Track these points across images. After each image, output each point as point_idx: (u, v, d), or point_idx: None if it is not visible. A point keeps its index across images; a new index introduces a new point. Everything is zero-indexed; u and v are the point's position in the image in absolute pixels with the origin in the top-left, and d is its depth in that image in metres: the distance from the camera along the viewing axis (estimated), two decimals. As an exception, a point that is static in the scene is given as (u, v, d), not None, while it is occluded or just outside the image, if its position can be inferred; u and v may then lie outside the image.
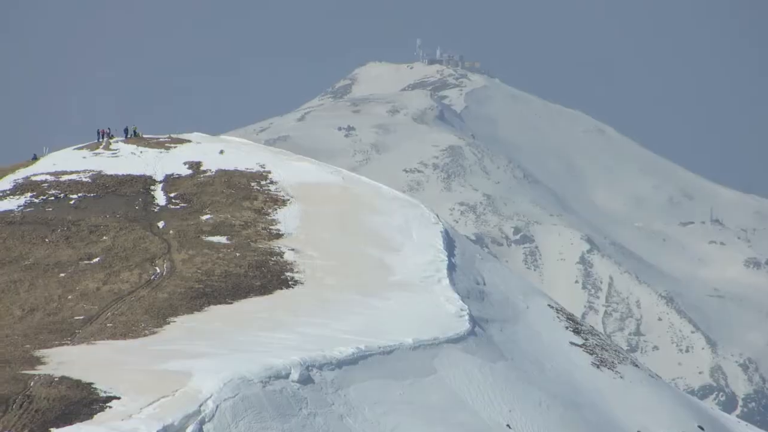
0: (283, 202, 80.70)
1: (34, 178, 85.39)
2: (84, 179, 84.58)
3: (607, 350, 71.15)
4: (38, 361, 47.99)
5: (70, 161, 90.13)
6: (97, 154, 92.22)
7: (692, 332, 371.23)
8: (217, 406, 44.75)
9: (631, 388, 68.19)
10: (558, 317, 72.86)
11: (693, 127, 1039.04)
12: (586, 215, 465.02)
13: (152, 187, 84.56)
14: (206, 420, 43.86)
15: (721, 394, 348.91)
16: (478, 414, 54.57)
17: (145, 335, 54.23)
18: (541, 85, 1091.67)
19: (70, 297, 62.56)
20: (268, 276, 67.56)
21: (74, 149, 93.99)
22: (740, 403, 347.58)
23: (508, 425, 52.98)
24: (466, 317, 64.65)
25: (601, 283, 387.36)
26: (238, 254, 70.08)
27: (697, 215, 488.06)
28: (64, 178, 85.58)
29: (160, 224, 76.84)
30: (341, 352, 53.75)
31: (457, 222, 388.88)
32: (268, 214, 78.62)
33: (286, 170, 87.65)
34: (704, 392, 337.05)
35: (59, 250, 70.86)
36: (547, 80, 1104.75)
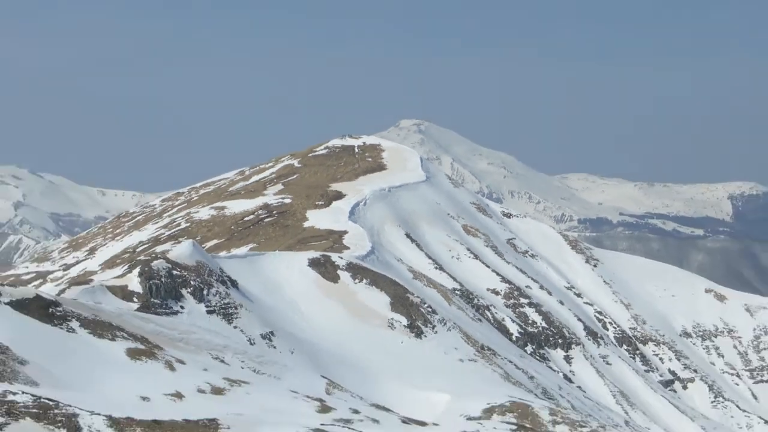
0: (383, 148, 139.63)
1: (329, 145, 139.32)
2: (338, 146, 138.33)
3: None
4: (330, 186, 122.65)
5: (341, 143, 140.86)
6: (343, 139, 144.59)
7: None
8: (368, 197, 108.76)
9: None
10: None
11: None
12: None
13: (355, 147, 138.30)
14: (366, 200, 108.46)
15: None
16: (426, 196, 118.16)
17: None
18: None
19: (325, 175, 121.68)
20: (375, 167, 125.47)
21: (342, 137, 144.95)
22: None
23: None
24: (425, 173, 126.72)
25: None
26: (370, 160, 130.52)
27: None
28: (339, 145, 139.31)
29: (356, 155, 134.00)
30: (391, 186, 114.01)
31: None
32: (376, 154, 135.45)
33: (384, 143, 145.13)
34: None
35: (325, 172, 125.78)
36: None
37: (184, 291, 59.95)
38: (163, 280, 59.77)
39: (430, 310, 75.59)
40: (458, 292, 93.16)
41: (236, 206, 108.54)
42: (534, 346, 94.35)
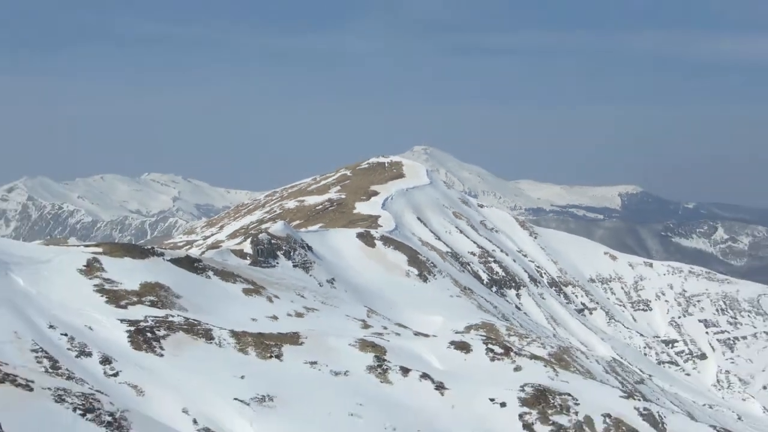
0: (403, 164, 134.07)
1: (369, 162, 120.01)
2: (375, 162, 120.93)
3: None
4: (370, 188, 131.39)
5: (376, 160, 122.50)
6: (378, 158, 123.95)
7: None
8: (393, 195, 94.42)
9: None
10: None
11: None
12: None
13: (385, 163, 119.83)
14: (392, 196, 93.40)
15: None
16: (430, 194, 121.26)
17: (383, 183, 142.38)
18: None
19: (367, 180, 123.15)
20: (398, 176, 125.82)
21: (377, 157, 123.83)
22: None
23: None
24: (429, 179, 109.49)
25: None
26: (394, 171, 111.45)
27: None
28: (375, 162, 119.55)
29: (386, 168, 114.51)
30: (408, 187, 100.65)
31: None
32: (399, 168, 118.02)
33: (403, 161, 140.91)
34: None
35: (366, 178, 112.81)
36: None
37: (278, 253, 58.23)
38: (265, 246, 58.20)
39: (432, 265, 73.99)
40: (449, 254, 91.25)
41: (311, 200, 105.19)
42: (497, 288, 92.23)
